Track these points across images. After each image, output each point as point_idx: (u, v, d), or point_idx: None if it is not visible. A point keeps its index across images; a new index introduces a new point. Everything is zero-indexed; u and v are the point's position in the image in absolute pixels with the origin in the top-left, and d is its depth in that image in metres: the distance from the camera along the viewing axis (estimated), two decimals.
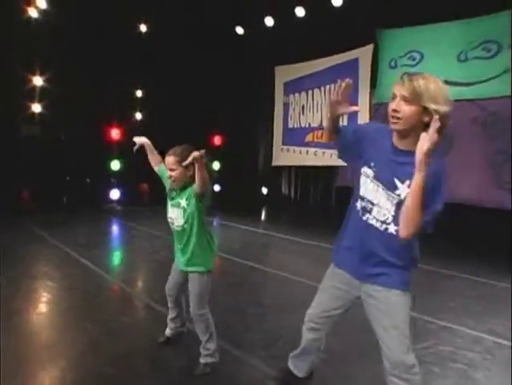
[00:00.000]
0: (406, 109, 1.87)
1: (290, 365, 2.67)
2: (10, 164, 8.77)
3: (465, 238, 7.39)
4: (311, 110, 10.75)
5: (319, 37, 9.59)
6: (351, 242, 2.18)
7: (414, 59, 8.68)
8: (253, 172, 12.96)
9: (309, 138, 10.73)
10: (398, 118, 1.89)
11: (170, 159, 2.83)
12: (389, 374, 2.07)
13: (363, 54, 9.43)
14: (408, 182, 1.91)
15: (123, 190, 10.54)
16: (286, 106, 11.60)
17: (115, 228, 8.69)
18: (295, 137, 11.17)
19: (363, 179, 2.09)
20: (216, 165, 12.60)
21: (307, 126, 10.86)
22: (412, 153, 1.83)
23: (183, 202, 2.83)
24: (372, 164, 2.05)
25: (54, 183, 9.68)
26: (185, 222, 2.83)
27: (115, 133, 10.37)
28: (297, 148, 11.09)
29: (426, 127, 1.81)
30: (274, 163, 11.88)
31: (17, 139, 9.23)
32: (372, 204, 2.06)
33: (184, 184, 2.86)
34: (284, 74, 11.52)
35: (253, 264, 5.73)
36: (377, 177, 2.03)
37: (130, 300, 4.45)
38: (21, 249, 6.00)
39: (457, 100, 7.12)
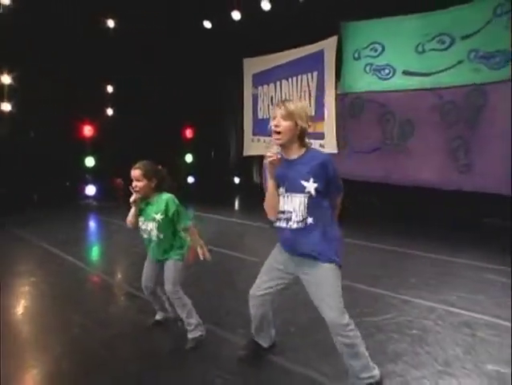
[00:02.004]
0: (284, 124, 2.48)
1: (255, 338, 3.07)
2: None
3: (427, 219, 7.88)
4: None
5: (286, 29, 9.82)
6: (285, 244, 2.68)
7: (376, 51, 9.01)
8: (225, 162, 13.22)
9: None
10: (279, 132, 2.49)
11: (136, 172, 3.16)
12: (333, 334, 2.57)
13: (328, 46, 9.70)
14: (311, 178, 2.47)
15: (99, 186, 10.65)
16: (255, 97, 11.83)
17: (92, 224, 8.85)
18: (265, 127, 11.44)
19: (280, 198, 2.58)
20: (188, 157, 12.84)
21: None
22: (297, 157, 2.54)
23: (158, 216, 3.17)
24: (281, 183, 2.56)
25: (26, 182, 9.72)
26: (160, 232, 3.21)
27: (87, 130, 10.46)
28: (267, 138, 11.36)
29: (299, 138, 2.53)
30: (245, 153, 12.14)
31: None
32: (290, 212, 2.53)
33: (147, 194, 3.20)
34: (252, 66, 11.73)
35: (229, 251, 6.04)
36: (288, 190, 2.54)
37: (113, 290, 4.71)
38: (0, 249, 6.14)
39: (417, 89, 7.53)
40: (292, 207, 2.51)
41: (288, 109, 2.44)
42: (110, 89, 11.02)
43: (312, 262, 2.55)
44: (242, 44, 11.06)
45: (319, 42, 9.78)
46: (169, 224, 3.22)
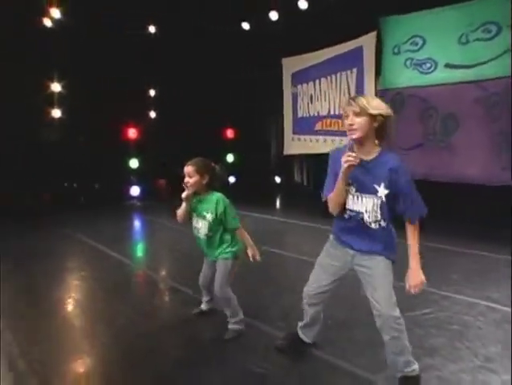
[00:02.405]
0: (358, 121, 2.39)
1: (300, 333, 3.12)
2: (31, 167, 9.30)
3: (468, 216, 7.67)
4: (319, 99, 11.01)
5: (324, 27, 9.83)
6: (347, 232, 2.64)
7: (416, 44, 8.83)
8: (266, 162, 13.32)
9: (318, 126, 11.02)
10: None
11: (189, 168, 3.26)
12: (382, 327, 2.55)
13: (367, 42, 9.62)
14: (383, 184, 2.43)
15: (143, 187, 11.00)
16: (294, 96, 11.87)
17: (137, 223, 9.16)
18: (305, 126, 11.46)
19: (349, 196, 2.53)
20: (230, 157, 13.02)
21: (316, 114, 11.13)
22: (374, 161, 2.45)
23: (208, 216, 3.26)
24: (351, 181, 2.48)
25: (73, 184, 10.19)
26: (210, 231, 3.30)
27: (131, 132, 10.82)
28: (307, 137, 11.38)
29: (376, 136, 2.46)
30: (286, 152, 12.19)
31: (38, 144, 9.74)
32: (361, 212, 2.50)
33: (199, 190, 3.30)
34: (291, 65, 11.77)
35: (270, 248, 6.11)
36: (359, 190, 2.49)
37: (157, 285, 4.90)
38: (50, 247, 6.48)
39: (460, 82, 7.29)
40: (364, 208, 2.49)
41: (360, 104, 2.35)
42: (153, 93, 11.35)
43: (369, 255, 2.58)
44: (281, 44, 11.12)
45: (358, 39, 9.71)
46: (218, 224, 3.29)
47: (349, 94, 10.08)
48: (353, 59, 9.89)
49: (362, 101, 2.36)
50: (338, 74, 10.41)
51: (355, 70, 9.93)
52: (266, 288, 4.54)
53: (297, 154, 12.10)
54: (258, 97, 12.23)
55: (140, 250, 6.85)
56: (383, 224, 2.49)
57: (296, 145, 11.80)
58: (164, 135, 10.75)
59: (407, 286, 2.52)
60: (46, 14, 9.28)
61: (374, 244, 2.54)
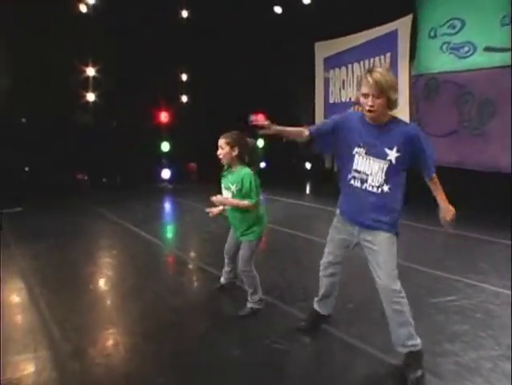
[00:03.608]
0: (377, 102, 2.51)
1: (316, 306, 3.21)
2: (68, 149, 9.61)
3: (501, 205, 7.47)
4: (351, 85, 10.86)
5: (357, 10, 9.65)
6: (352, 206, 2.76)
7: (454, 27, 8.54)
8: (297, 148, 13.27)
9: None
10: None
11: (221, 140, 3.39)
12: (384, 300, 2.69)
13: (402, 26, 9.39)
14: (395, 147, 2.55)
15: (174, 169, 11.19)
16: (326, 81, 11.75)
17: (167, 205, 9.36)
18: (336, 112, 11.13)
19: (356, 157, 2.64)
20: (260, 143, 13.04)
21: (348, 100, 11.01)
22: (384, 124, 2.60)
23: (233, 187, 3.32)
24: (362, 144, 2.62)
25: (108, 165, 10.47)
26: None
27: (163, 116, 10.99)
28: None
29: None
30: None
31: (72, 127, 10.04)
32: (366, 174, 2.61)
33: (230, 162, 3.38)
34: (324, 49, 11.64)
35: (296, 232, 6.18)
36: (368, 152, 2.60)
37: (185, 264, 5.04)
38: (86, 225, 6.72)
39: (500, 67, 6.96)
40: (370, 170, 2.60)
41: (379, 86, 2.47)
42: (184, 77, 11.46)
43: (372, 231, 2.67)
44: (314, 28, 11.00)
45: (393, 22, 9.47)
46: (242, 198, 3.31)
47: None
48: (387, 44, 9.69)
49: (381, 83, 2.47)
50: (371, 59, 10.22)
51: (388, 54, 9.73)
52: (291, 270, 4.61)
53: None
54: (290, 81, 12.17)
55: (169, 231, 7.03)
56: (385, 189, 2.58)
57: None
58: (194, 119, 10.87)
59: (441, 222, 2.67)
60: None
61: (376, 215, 2.62)
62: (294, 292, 3.93)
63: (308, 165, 13.13)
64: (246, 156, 3.37)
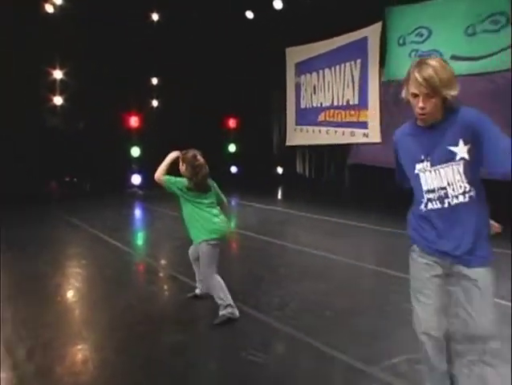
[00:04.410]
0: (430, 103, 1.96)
1: None
2: (36, 154, 9.31)
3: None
4: (323, 90, 10.94)
5: (328, 17, 9.73)
6: (436, 233, 2.10)
7: (422, 36, 8.74)
8: (269, 152, 13.28)
9: (321, 117, 10.96)
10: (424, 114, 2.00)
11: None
12: (474, 356, 2.06)
13: (371, 33, 9.53)
14: (461, 141, 1.98)
15: (144, 175, 10.98)
16: (297, 86, 11.80)
17: (138, 212, 9.17)
18: (308, 117, 11.41)
19: (421, 176, 2.09)
20: (232, 147, 12.98)
21: (319, 105, 11.08)
22: (440, 122, 2.02)
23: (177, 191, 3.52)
24: (422, 157, 2.07)
25: (77, 171, 10.20)
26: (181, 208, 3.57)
27: (133, 121, 10.79)
28: (310, 128, 11.33)
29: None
30: (288, 143, 12.16)
31: (41, 130, 9.74)
32: (444, 188, 2.05)
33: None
34: (295, 55, 11.70)
35: (270, 238, 6.10)
36: (434, 163, 2.05)
37: (156, 272, 4.90)
38: (52, 234, 6.50)
39: (466, 75, 7.04)
40: (446, 181, 2.04)
41: (432, 84, 1.91)
42: (155, 81, 11.29)
43: (469, 264, 2.04)
44: (285, 33, 11.03)
45: (363, 29, 9.62)
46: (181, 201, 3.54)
47: (352, 85, 10.02)
48: (358, 50, 9.82)
49: (434, 80, 1.90)
50: (342, 65, 10.33)
51: (359, 61, 9.85)
52: (265, 277, 4.52)
53: (300, 145, 12.05)
54: (261, 87, 12.17)
55: (140, 238, 6.86)
56: (473, 193, 2.01)
57: (299, 136, 11.76)
58: (165, 123, 10.72)
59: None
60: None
61: (466, 236, 2.02)
62: (270, 301, 3.84)
63: (280, 170, 13.13)
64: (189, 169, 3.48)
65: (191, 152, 3.52)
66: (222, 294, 3.37)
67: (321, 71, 10.97)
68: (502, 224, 2.29)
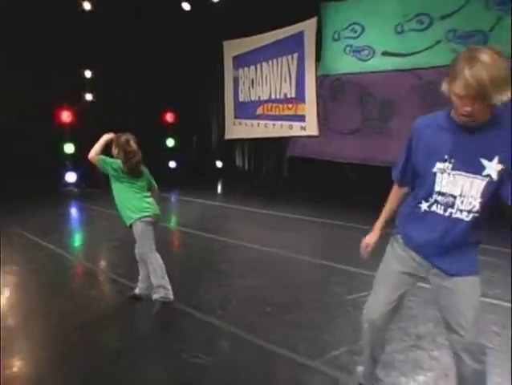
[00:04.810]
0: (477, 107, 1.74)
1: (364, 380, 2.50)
2: None
3: None
4: (261, 83, 11.00)
5: (265, 11, 9.75)
6: (427, 236, 2.01)
7: (356, 32, 9.01)
8: (208, 146, 13.20)
9: (259, 111, 11.03)
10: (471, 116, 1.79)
11: None
12: (464, 359, 2.02)
13: (307, 27, 9.68)
14: (497, 158, 1.81)
15: (80, 173, 10.55)
16: (236, 80, 11.79)
17: (74, 211, 8.82)
18: (246, 110, 11.44)
19: (438, 175, 1.93)
20: (170, 142, 12.77)
21: (257, 99, 11.13)
22: (481, 126, 1.81)
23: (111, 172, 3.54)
24: (447, 156, 1.89)
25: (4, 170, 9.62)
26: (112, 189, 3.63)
27: (66, 115, 10.31)
28: (248, 121, 11.38)
29: None
30: (227, 136, 12.14)
31: None
32: (454, 196, 1.91)
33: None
34: (232, 48, 11.66)
35: (211, 234, 6.09)
36: (456, 167, 1.88)
37: (94, 275, 4.74)
38: None
39: (396, 70, 7.45)
40: (459, 190, 1.88)
41: (482, 88, 1.66)
42: (88, 74, 10.84)
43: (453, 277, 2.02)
44: (222, 26, 10.95)
45: (299, 24, 9.75)
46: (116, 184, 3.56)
47: (290, 79, 10.15)
48: (294, 44, 9.94)
49: (484, 84, 1.65)
50: (279, 59, 10.43)
51: (296, 55, 9.99)
52: (206, 275, 4.51)
53: (238, 138, 12.07)
54: (199, 80, 12.04)
55: (77, 240, 6.59)
56: (478, 215, 1.89)
57: (237, 130, 11.78)
58: (100, 118, 10.33)
59: None
60: None
61: (456, 252, 1.99)
62: (212, 299, 3.84)
63: (219, 164, 13.09)
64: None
65: (124, 137, 3.52)
66: (160, 272, 3.42)
67: (258, 65, 11.02)
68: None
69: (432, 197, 1.96)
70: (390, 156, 8.40)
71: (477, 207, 1.87)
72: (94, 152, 3.48)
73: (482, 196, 1.85)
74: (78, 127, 10.42)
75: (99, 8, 10.12)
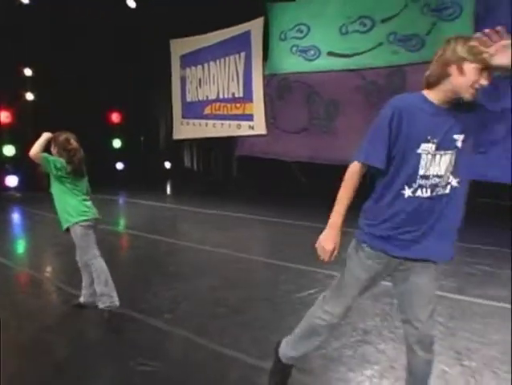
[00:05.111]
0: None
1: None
2: None
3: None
4: (208, 83, 10.94)
5: (213, 10, 9.69)
6: (409, 228, 1.97)
7: (302, 32, 9.13)
8: (155, 147, 12.99)
9: (207, 110, 10.97)
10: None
11: None
12: (418, 349, 2.08)
13: (254, 27, 9.72)
14: (464, 134, 1.92)
15: (21, 176, 10.08)
16: (183, 79, 11.67)
17: (15, 216, 8.42)
18: (194, 110, 11.35)
19: (422, 157, 1.92)
20: (117, 143, 12.46)
21: (205, 99, 11.07)
22: (451, 107, 1.92)
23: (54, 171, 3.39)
24: (429, 137, 1.90)
25: None
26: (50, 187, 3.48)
27: (4, 116, 9.82)
28: (196, 121, 11.29)
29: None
30: (175, 136, 11.99)
31: None
32: (438, 176, 1.93)
33: None
34: (180, 47, 11.53)
35: (159, 237, 5.99)
36: (440, 147, 1.92)
37: (39, 284, 4.54)
38: None
39: (341, 70, 7.67)
40: (443, 169, 1.93)
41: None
42: (28, 72, 10.37)
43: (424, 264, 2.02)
44: (169, 25, 10.78)
45: (246, 23, 9.77)
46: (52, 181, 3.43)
47: (237, 78, 10.15)
48: (241, 43, 9.96)
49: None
50: (226, 58, 10.41)
51: (243, 54, 10.01)
52: (154, 278, 4.42)
53: (187, 139, 11.96)
54: (146, 79, 11.82)
55: (19, 247, 6.29)
56: (454, 184, 1.95)
57: (185, 130, 11.66)
58: (42, 118, 9.91)
59: None
60: None
61: (449, 234, 1.99)
62: (161, 303, 3.77)
63: (168, 165, 12.91)
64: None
65: (63, 135, 3.43)
66: (103, 279, 3.32)
67: (206, 64, 10.95)
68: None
69: (415, 182, 1.93)
70: (336, 155, 8.61)
71: (451, 178, 1.93)
72: (35, 150, 3.32)
73: (454, 166, 1.92)
74: (18, 129, 9.96)
75: (38, 2, 9.68)
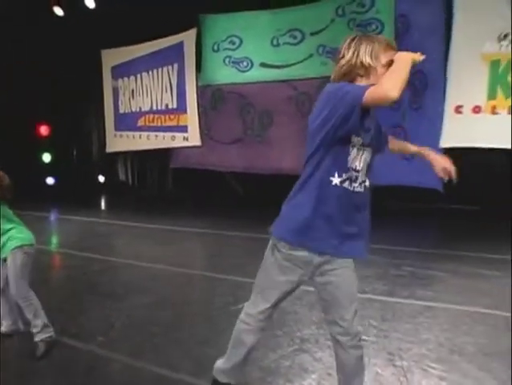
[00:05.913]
0: None
1: (224, 378, 2.43)
2: None
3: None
4: (141, 94, 10.75)
5: (145, 20, 9.55)
6: (331, 221, 1.95)
7: (234, 43, 9.24)
8: (88, 160, 12.56)
9: (141, 122, 10.76)
10: None
11: None
12: (344, 349, 2.11)
13: (187, 38, 9.68)
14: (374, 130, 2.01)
15: None
16: (115, 90, 11.39)
17: None
18: (127, 122, 11.09)
19: (350, 150, 1.91)
20: (46, 157, 11.92)
21: (138, 110, 10.86)
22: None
23: None
24: (360, 131, 1.90)
25: None
26: None
27: None
28: (130, 133, 11.03)
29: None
30: (108, 149, 11.65)
31: None
32: (357, 170, 1.94)
33: None
34: (111, 58, 11.24)
35: (92, 254, 5.76)
36: (365, 143, 1.94)
37: None
38: None
39: (274, 81, 7.90)
40: (363, 164, 1.96)
41: None
42: None
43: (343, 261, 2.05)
44: (100, 34, 10.47)
45: (179, 35, 9.73)
46: None
47: (171, 89, 10.06)
48: (174, 54, 9.90)
49: None
50: (159, 69, 10.30)
51: (176, 65, 9.95)
52: (86, 299, 4.22)
53: (120, 151, 11.67)
54: (76, 91, 11.40)
55: None
56: (367, 183, 1.99)
57: (119, 142, 11.37)
58: None
59: (440, 174, 2.07)
60: None
61: (363, 234, 2.02)
62: (93, 325, 3.60)
63: (101, 178, 12.51)
64: None
65: None
66: (41, 312, 3.08)
67: (138, 75, 10.76)
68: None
69: (343, 175, 1.91)
70: (270, 164, 8.80)
71: (365, 177, 1.98)
72: None
73: (369, 165, 1.98)
74: None
75: None
